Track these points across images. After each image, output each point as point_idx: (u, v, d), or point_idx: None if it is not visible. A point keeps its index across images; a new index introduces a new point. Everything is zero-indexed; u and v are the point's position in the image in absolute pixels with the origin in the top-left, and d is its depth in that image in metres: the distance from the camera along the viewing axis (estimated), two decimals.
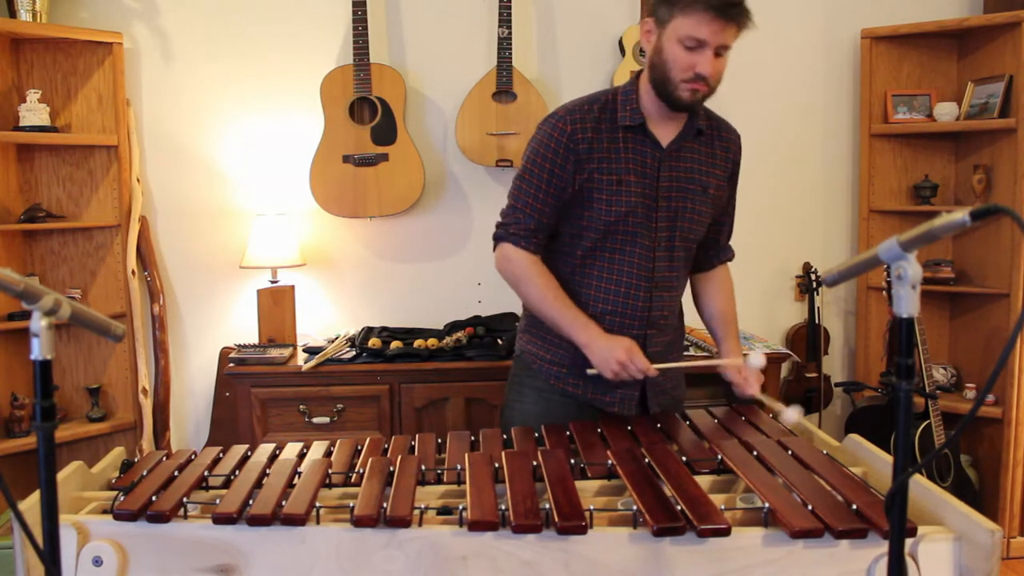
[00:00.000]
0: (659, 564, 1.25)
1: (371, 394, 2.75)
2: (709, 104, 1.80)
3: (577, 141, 1.73)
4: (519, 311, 2.06)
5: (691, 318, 3.28)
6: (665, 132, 1.77)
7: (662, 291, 1.82)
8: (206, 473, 1.50)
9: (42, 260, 3.05)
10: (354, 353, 2.82)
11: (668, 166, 1.77)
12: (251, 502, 1.35)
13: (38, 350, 0.98)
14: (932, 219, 0.96)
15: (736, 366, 1.79)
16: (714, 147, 1.85)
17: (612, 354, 1.68)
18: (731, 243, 2.09)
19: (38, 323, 0.97)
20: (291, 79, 3.13)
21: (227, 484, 1.48)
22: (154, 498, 1.38)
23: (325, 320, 3.23)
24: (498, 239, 1.83)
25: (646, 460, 1.48)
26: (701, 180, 1.81)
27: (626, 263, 1.78)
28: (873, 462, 1.53)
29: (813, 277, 3.25)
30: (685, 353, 2.84)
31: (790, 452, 1.51)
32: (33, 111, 2.85)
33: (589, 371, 1.73)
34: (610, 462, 1.48)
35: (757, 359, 1.75)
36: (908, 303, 0.98)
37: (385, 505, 1.31)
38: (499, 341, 2.86)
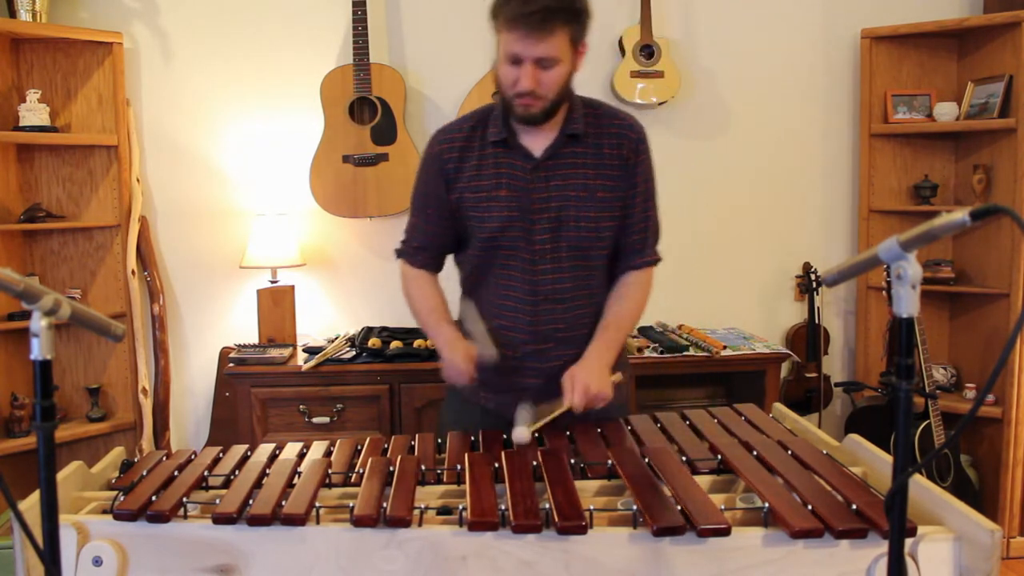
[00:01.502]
0: (659, 564, 1.25)
1: (371, 394, 2.75)
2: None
3: (445, 161, 1.76)
4: None
5: (691, 318, 3.30)
6: (537, 142, 1.73)
7: (552, 303, 1.75)
8: (206, 473, 1.50)
9: (42, 260, 3.05)
10: (354, 353, 2.82)
11: (543, 176, 1.72)
12: (251, 502, 1.35)
13: (38, 350, 0.98)
14: (932, 219, 0.96)
15: (571, 374, 1.65)
16: (601, 147, 1.75)
17: (449, 362, 1.73)
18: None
19: (38, 323, 0.97)
20: (291, 79, 3.13)
21: (227, 484, 1.48)
22: (154, 498, 1.37)
23: (325, 320, 3.23)
24: (396, 255, 1.91)
25: (646, 460, 1.48)
26: (584, 184, 1.73)
27: (510, 277, 1.76)
28: (873, 462, 1.53)
29: (813, 277, 3.25)
30: (685, 353, 2.86)
31: (790, 452, 1.51)
32: (33, 111, 2.85)
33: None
34: (610, 462, 1.48)
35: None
36: (908, 303, 0.98)
37: (385, 505, 1.31)
38: None
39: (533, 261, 1.74)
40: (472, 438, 1.70)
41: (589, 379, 1.63)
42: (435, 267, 1.89)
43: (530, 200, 1.72)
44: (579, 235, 1.74)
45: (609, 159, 1.75)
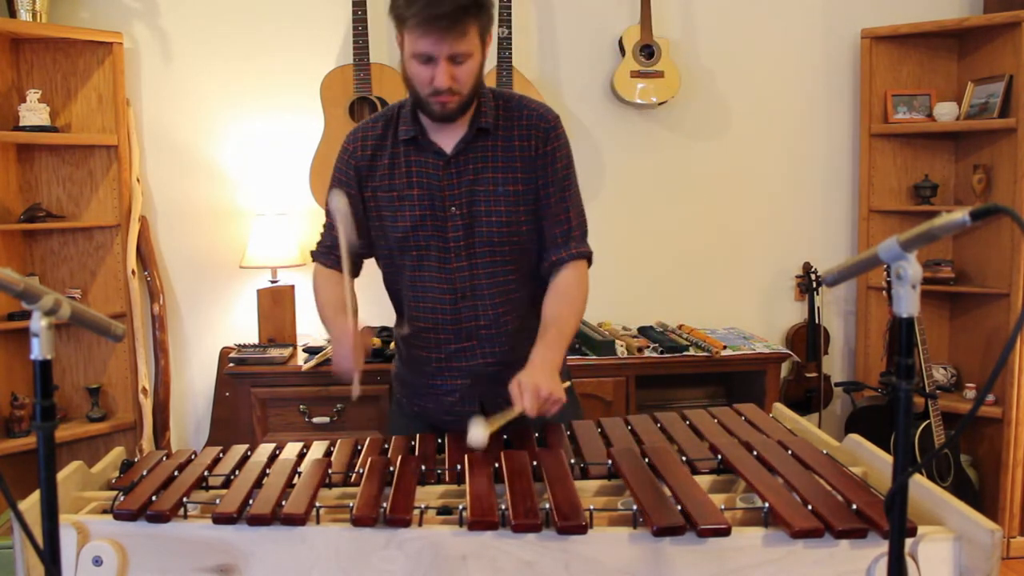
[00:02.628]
0: (659, 564, 1.25)
1: (371, 394, 2.75)
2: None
3: (358, 159, 1.74)
4: None
5: (691, 318, 3.30)
6: (448, 138, 1.70)
7: (471, 300, 1.73)
8: (206, 473, 1.50)
9: (42, 260, 3.05)
10: None
11: (454, 172, 1.69)
12: (251, 502, 1.35)
13: (38, 350, 0.98)
14: (932, 219, 0.96)
15: (517, 380, 1.57)
16: (511, 139, 1.71)
17: (335, 353, 1.69)
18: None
19: (38, 323, 0.97)
20: (291, 79, 3.13)
21: (227, 484, 1.48)
22: (154, 498, 1.37)
23: None
24: (312, 258, 1.89)
25: (646, 460, 1.48)
26: (494, 179, 1.70)
27: (426, 277, 1.74)
28: (873, 462, 1.53)
29: (813, 277, 3.25)
30: (685, 353, 2.86)
31: (790, 452, 1.51)
32: (33, 111, 2.85)
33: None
34: (610, 462, 1.48)
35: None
36: (908, 303, 0.98)
37: (385, 505, 1.31)
38: None
39: (447, 260, 1.72)
40: (440, 440, 1.69)
41: (538, 382, 1.54)
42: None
43: (442, 197, 1.70)
44: (491, 231, 1.71)
45: (520, 151, 1.71)
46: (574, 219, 1.77)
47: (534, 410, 1.53)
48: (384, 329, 3.09)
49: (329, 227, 1.83)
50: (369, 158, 1.74)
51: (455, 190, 1.70)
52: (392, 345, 2.79)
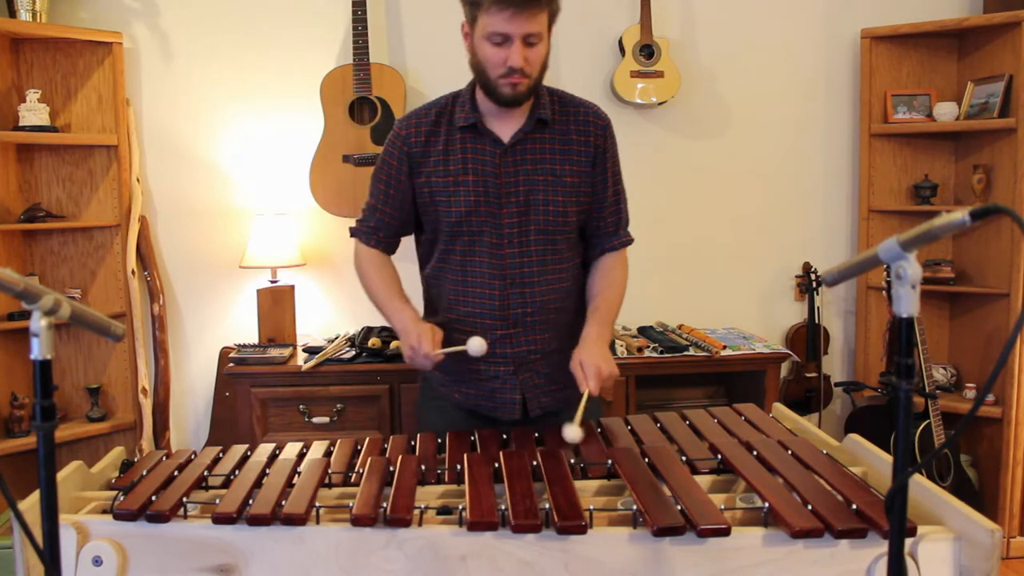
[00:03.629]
0: (659, 564, 1.25)
1: (371, 394, 2.75)
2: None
3: (411, 145, 1.79)
4: None
5: (691, 318, 3.30)
6: (506, 127, 1.76)
7: (520, 288, 1.77)
8: (206, 473, 1.50)
9: (42, 260, 3.05)
10: (354, 353, 2.82)
11: (511, 161, 1.75)
12: (251, 502, 1.35)
13: (38, 350, 0.98)
14: (932, 219, 0.96)
15: (578, 360, 1.65)
16: (568, 133, 1.79)
17: (406, 339, 1.70)
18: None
19: (38, 323, 0.97)
20: (291, 79, 3.13)
21: (227, 484, 1.48)
22: (154, 498, 1.37)
23: (325, 320, 3.23)
24: (351, 234, 1.91)
25: (646, 460, 1.48)
26: (552, 170, 1.76)
27: (476, 263, 1.78)
28: (873, 462, 1.53)
29: (813, 277, 3.25)
30: (685, 353, 2.86)
31: (790, 452, 1.51)
32: (33, 111, 2.85)
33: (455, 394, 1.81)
34: (610, 462, 1.48)
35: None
36: (908, 303, 0.98)
37: (385, 505, 1.31)
38: None
39: (500, 245, 1.76)
40: (472, 438, 1.70)
41: (597, 361, 1.63)
42: (389, 248, 1.90)
43: (497, 185, 1.74)
44: (547, 219, 1.77)
45: (577, 145, 1.79)
46: (623, 210, 1.90)
47: (597, 388, 1.60)
48: (384, 329, 3.09)
49: (373, 208, 1.86)
50: (423, 144, 1.78)
51: (511, 178, 1.75)
52: (394, 344, 2.80)
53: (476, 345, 1.69)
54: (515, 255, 1.77)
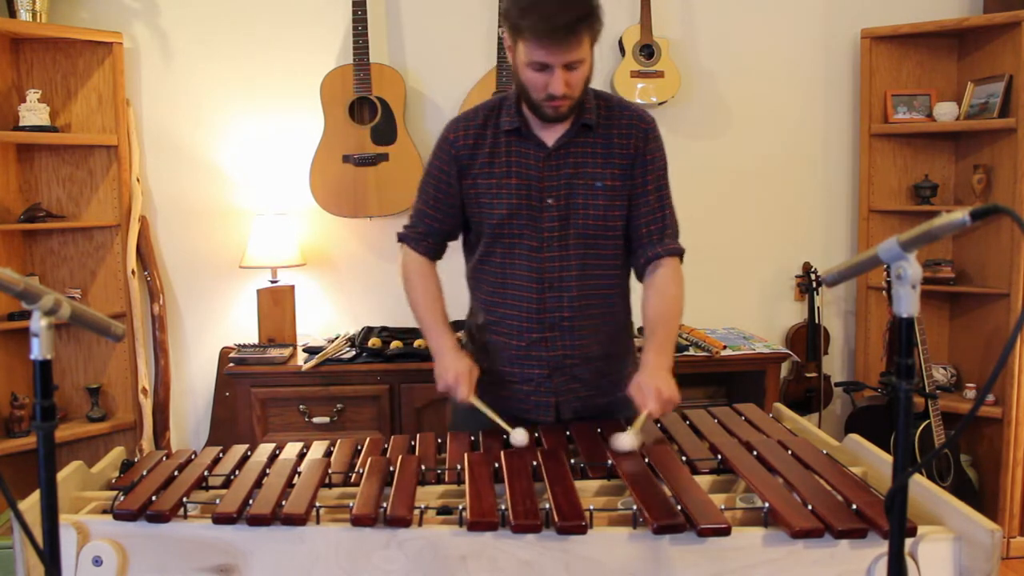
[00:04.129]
0: (659, 564, 1.25)
1: (371, 394, 2.75)
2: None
3: (459, 148, 1.78)
4: None
5: (691, 318, 3.29)
6: (551, 132, 1.75)
7: (558, 291, 1.76)
8: (206, 473, 1.50)
9: (42, 260, 3.05)
10: (354, 353, 2.82)
11: (554, 165, 1.74)
12: (251, 502, 1.35)
13: (38, 350, 0.98)
14: (932, 219, 0.96)
15: (637, 383, 1.65)
16: (611, 138, 1.77)
17: (445, 372, 1.73)
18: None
19: (38, 323, 0.97)
20: (291, 79, 3.13)
21: (227, 484, 1.48)
22: (154, 498, 1.38)
23: (325, 320, 3.23)
24: (399, 239, 1.91)
25: (646, 460, 1.48)
26: (594, 174, 1.75)
27: (515, 265, 1.78)
28: (873, 462, 1.53)
29: (813, 277, 3.25)
30: (685, 353, 2.86)
31: (790, 452, 1.51)
32: (33, 111, 2.85)
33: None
34: (610, 462, 1.48)
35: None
36: (908, 303, 0.98)
37: (385, 505, 1.31)
38: None
39: (539, 249, 1.75)
40: (472, 438, 1.70)
41: (658, 384, 1.62)
42: (436, 254, 1.90)
43: (540, 188, 1.74)
44: (587, 224, 1.76)
45: (619, 148, 1.77)
46: (668, 217, 1.84)
47: (658, 411, 1.60)
48: (384, 329, 3.09)
49: (422, 213, 1.85)
50: (470, 148, 1.78)
51: (553, 182, 1.74)
52: (394, 345, 2.80)
53: (519, 437, 1.60)
54: (554, 259, 1.76)
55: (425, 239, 1.86)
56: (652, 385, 1.61)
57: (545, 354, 1.79)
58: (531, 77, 1.64)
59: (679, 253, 1.84)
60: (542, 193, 1.74)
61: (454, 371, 1.71)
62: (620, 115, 1.79)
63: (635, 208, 1.79)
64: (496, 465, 1.48)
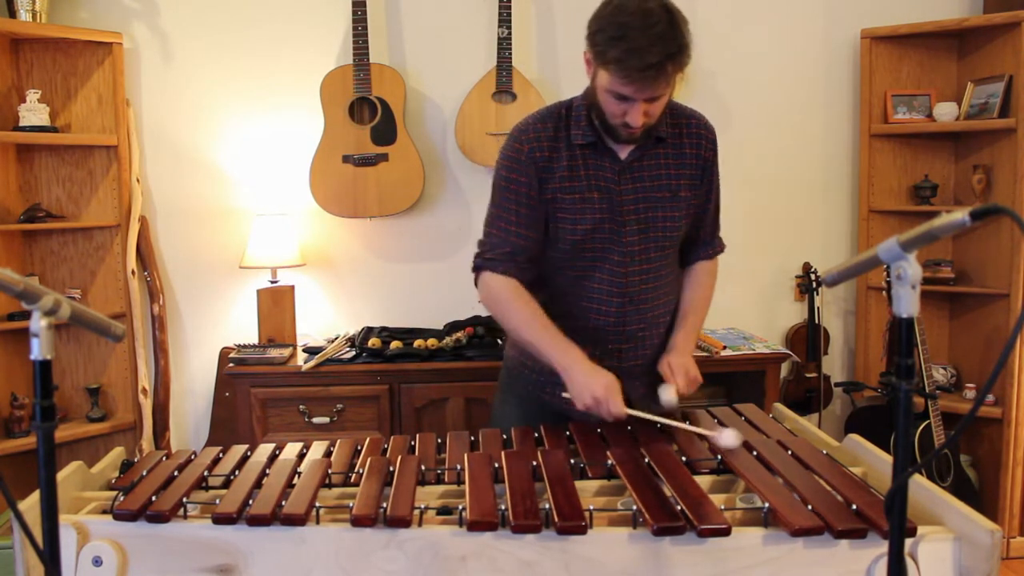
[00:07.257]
0: (659, 564, 1.25)
1: (371, 394, 2.75)
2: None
3: (536, 159, 1.71)
4: None
5: None
6: (624, 145, 1.72)
7: (638, 305, 1.75)
8: (206, 473, 1.50)
9: (42, 260, 3.05)
10: (354, 353, 2.82)
11: (630, 178, 1.72)
12: (251, 502, 1.35)
13: (38, 350, 0.98)
14: (932, 219, 0.96)
15: (667, 362, 1.74)
16: (682, 147, 1.76)
17: (589, 388, 1.60)
18: (730, 243, 2.02)
19: (38, 323, 0.97)
20: (291, 79, 3.13)
21: (227, 484, 1.48)
22: (154, 498, 1.37)
23: (325, 320, 3.23)
24: (477, 269, 1.77)
25: (646, 460, 1.48)
26: (669, 186, 1.75)
27: (597, 279, 1.74)
28: (873, 462, 1.53)
29: (813, 277, 3.25)
30: None
31: (790, 452, 1.51)
32: (33, 111, 2.85)
33: (564, 394, 1.67)
34: (610, 462, 1.48)
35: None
36: (908, 303, 0.98)
37: (385, 505, 1.31)
38: (499, 341, 2.86)
39: (623, 263, 1.73)
40: (472, 437, 1.70)
41: (686, 364, 1.72)
42: (527, 275, 1.74)
43: (620, 202, 1.72)
44: (665, 235, 1.76)
45: (690, 159, 1.77)
46: (718, 219, 1.92)
47: (685, 389, 1.70)
48: (384, 329, 3.09)
49: (506, 232, 1.73)
50: (547, 159, 1.71)
51: (630, 195, 1.73)
52: (394, 345, 2.79)
53: (730, 438, 1.53)
54: (636, 272, 1.74)
55: (512, 259, 1.72)
56: (681, 365, 1.71)
57: (616, 364, 1.74)
58: (610, 103, 1.61)
59: (723, 251, 1.95)
60: (622, 207, 1.72)
61: (601, 385, 1.60)
62: (687, 123, 1.78)
63: (699, 213, 1.84)
64: (496, 465, 1.48)
